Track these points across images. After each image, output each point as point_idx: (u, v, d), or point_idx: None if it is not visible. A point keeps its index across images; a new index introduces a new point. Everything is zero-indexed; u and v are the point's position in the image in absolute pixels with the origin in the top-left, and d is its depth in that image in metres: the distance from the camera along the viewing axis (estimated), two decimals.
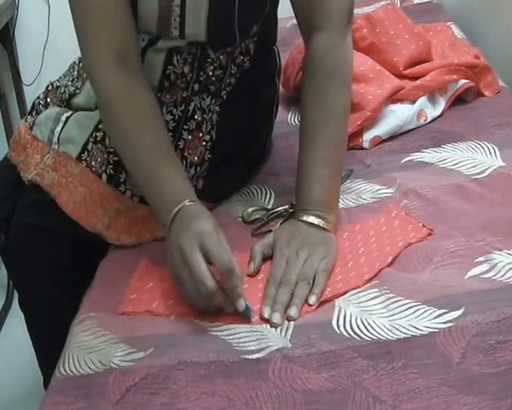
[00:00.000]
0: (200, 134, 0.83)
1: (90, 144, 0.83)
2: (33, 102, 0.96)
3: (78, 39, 0.76)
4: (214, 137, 0.83)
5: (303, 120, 0.79)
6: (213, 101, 0.83)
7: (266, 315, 0.65)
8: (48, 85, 0.95)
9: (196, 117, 0.82)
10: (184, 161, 0.82)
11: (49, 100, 0.94)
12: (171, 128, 0.82)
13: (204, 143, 0.83)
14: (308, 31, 0.80)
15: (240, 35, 0.77)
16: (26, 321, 0.97)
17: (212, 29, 0.76)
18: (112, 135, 0.78)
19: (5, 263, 0.98)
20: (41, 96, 0.95)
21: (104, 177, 0.82)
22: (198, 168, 0.83)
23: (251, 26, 0.79)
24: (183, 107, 0.82)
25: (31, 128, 0.91)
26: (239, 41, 0.78)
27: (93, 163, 0.83)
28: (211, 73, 0.81)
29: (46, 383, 0.94)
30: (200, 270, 0.63)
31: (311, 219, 0.73)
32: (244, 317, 0.65)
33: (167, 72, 0.80)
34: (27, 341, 0.99)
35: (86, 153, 0.84)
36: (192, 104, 0.82)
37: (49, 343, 0.88)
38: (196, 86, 0.82)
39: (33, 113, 0.94)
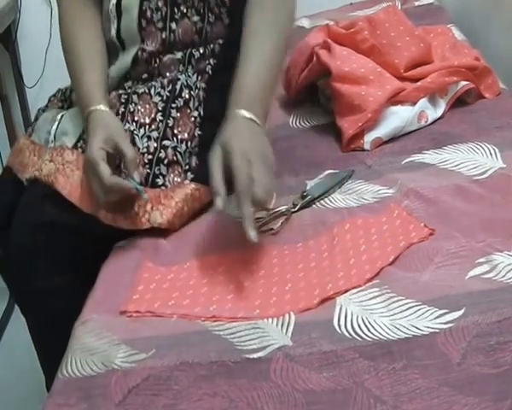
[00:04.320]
0: (189, 111, 0.86)
1: (85, 134, 0.86)
2: (35, 115, 0.99)
3: None
4: (202, 113, 0.87)
5: (246, 28, 0.83)
6: (199, 77, 0.88)
7: (253, 237, 0.69)
8: (50, 97, 0.99)
9: (183, 95, 0.86)
10: (175, 138, 0.85)
11: (48, 106, 0.97)
12: (160, 108, 0.86)
13: (193, 120, 0.87)
14: None
15: None
16: (27, 324, 0.97)
17: None
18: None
19: (3, 276, 0.98)
20: (42, 107, 0.99)
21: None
22: (189, 143, 0.86)
23: None
24: (170, 87, 0.86)
25: (30, 136, 0.95)
26: None
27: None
28: (184, 11, 0.86)
29: (48, 385, 0.94)
30: (101, 172, 0.77)
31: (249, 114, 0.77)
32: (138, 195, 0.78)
33: (143, 8, 0.86)
34: (30, 343, 0.99)
35: (81, 141, 0.87)
36: (179, 83, 0.86)
37: (51, 345, 0.88)
38: (174, 26, 0.86)
39: (32, 123, 0.98)
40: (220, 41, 0.89)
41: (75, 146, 0.87)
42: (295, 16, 0.90)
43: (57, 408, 0.61)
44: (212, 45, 0.88)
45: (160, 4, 0.86)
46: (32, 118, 1.04)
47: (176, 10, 0.86)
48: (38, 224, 0.85)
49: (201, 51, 0.88)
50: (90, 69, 0.86)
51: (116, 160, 0.81)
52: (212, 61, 0.88)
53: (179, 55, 0.88)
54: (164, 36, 0.87)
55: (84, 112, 0.83)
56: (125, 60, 0.89)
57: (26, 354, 1.08)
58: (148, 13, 0.86)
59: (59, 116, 0.91)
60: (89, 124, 0.82)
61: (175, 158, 0.85)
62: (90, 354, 0.66)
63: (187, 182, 0.85)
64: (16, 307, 1.04)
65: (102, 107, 0.83)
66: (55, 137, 0.90)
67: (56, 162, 0.86)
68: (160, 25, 0.86)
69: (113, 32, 0.89)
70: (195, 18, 0.87)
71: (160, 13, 0.86)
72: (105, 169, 0.78)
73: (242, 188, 0.70)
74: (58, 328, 0.80)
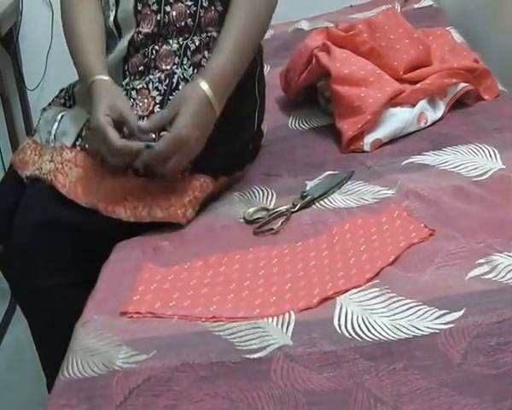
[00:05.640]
0: None
1: (84, 131, 0.88)
2: (39, 115, 1.00)
3: None
4: None
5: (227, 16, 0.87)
6: (195, 71, 0.89)
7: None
8: (54, 98, 1.00)
9: (180, 88, 0.87)
10: None
11: (51, 104, 0.98)
12: (158, 101, 0.87)
13: None
14: None
15: None
16: (29, 325, 0.98)
17: None
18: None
19: (4, 275, 0.98)
20: (46, 106, 1.00)
21: (98, 158, 0.86)
22: None
23: None
24: (167, 81, 0.88)
25: (33, 136, 0.96)
26: None
27: (87, 146, 0.87)
28: None
29: (50, 386, 0.94)
30: (110, 137, 0.79)
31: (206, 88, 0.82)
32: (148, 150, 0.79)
33: None
34: (31, 344, 0.99)
35: (80, 139, 0.89)
36: (176, 76, 0.88)
37: (52, 346, 0.88)
38: (168, 8, 0.88)
39: (36, 124, 0.99)
40: (214, 33, 0.90)
41: (74, 145, 0.89)
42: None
43: (58, 409, 0.61)
44: (205, 36, 0.90)
45: None
46: (34, 120, 1.05)
47: None
48: (39, 222, 0.86)
49: (197, 43, 0.89)
50: (91, 42, 0.88)
51: (121, 127, 0.83)
52: (206, 53, 0.90)
53: (175, 46, 0.89)
54: (158, 17, 0.89)
55: (87, 81, 0.85)
56: (121, 45, 0.91)
57: (28, 356, 1.08)
58: None
59: (59, 116, 0.93)
60: (93, 92, 0.84)
61: None
62: (91, 355, 0.66)
63: (186, 174, 0.86)
64: (18, 308, 1.04)
65: (104, 77, 0.85)
66: (55, 137, 0.91)
67: (56, 162, 0.88)
68: (154, 7, 0.89)
69: (111, 18, 0.91)
70: (189, 2, 0.89)
71: None
72: (113, 133, 0.79)
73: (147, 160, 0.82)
74: (59, 328, 0.80)
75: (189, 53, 0.89)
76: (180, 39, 0.89)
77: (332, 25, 1.25)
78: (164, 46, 0.89)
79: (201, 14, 0.90)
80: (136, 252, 0.82)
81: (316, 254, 0.74)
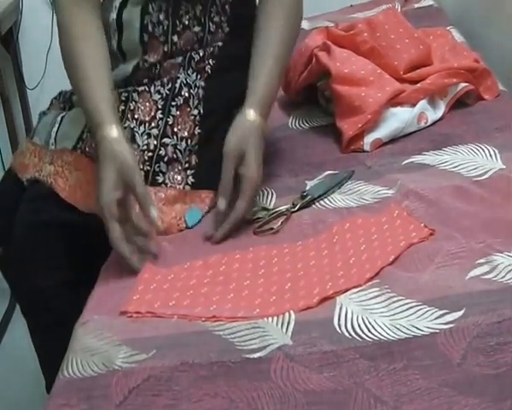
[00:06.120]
0: (188, 109, 0.87)
1: (85, 134, 0.87)
2: (38, 118, 1.00)
3: None
4: (202, 111, 0.87)
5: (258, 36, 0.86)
6: (199, 76, 0.88)
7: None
8: (52, 100, 0.99)
9: (183, 93, 0.86)
10: (175, 136, 0.86)
11: (50, 109, 0.98)
12: (159, 106, 0.86)
13: (192, 118, 0.87)
14: None
15: None
16: (28, 325, 0.98)
17: None
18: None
19: (4, 275, 0.98)
20: (45, 110, 0.99)
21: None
22: (189, 141, 0.86)
23: None
24: (169, 85, 0.86)
25: (32, 138, 0.96)
26: None
27: (87, 149, 0.86)
28: (186, 23, 0.86)
29: (49, 387, 0.94)
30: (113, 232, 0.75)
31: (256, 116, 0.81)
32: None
33: (145, 22, 0.85)
34: (30, 344, 0.99)
35: (81, 142, 0.88)
36: (178, 81, 0.87)
37: (51, 346, 0.88)
38: (176, 38, 0.86)
39: (35, 126, 0.98)
40: (220, 44, 0.89)
41: (75, 147, 0.88)
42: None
43: (58, 409, 0.61)
44: (211, 48, 0.89)
45: (161, 18, 0.86)
46: (34, 119, 1.05)
47: (178, 23, 0.86)
48: (39, 222, 0.86)
49: (201, 54, 0.88)
50: (99, 86, 0.81)
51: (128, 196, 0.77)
52: (211, 61, 0.89)
53: (179, 59, 0.88)
54: (166, 49, 0.87)
55: (95, 134, 0.79)
56: (125, 68, 0.89)
57: (27, 355, 1.08)
58: (150, 27, 0.86)
59: (59, 118, 0.92)
60: (100, 153, 0.78)
61: (175, 156, 0.85)
62: (90, 355, 0.66)
63: (188, 188, 0.85)
64: (17, 308, 1.04)
65: (113, 133, 0.77)
66: (55, 140, 0.90)
67: (56, 165, 0.87)
68: (162, 38, 0.86)
69: (115, 44, 0.89)
70: (197, 28, 0.87)
71: (161, 27, 0.86)
72: (115, 229, 0.75)
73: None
74: (58, 328, 0.80)
75: (193, 63, 0.88)
76: (185, 55, 0.88)
77: (332, 24, 1.25)
78: (169, 60, 0.88)
79: (209, 39, 0.88)
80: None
81: (316, 254, 0.74)
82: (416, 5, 1.41)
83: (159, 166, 0.85)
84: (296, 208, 0.84)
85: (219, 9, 0.88)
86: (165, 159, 0.85)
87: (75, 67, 0.83)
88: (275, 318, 0.66)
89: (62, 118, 0.92)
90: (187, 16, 0.86)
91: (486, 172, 0.84)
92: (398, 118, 0.97)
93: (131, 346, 0.66)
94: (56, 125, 0.91)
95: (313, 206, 0.85)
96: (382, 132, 0.96)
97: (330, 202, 0.85)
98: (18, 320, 1.33)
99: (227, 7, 0.88)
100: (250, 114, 0.82)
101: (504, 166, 0.85)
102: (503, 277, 0.66)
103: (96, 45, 0.83)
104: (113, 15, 0.87)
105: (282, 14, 0.85)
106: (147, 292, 0.73)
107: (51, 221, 0.86)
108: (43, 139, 0.93)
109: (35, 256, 0.88)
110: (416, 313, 0.64)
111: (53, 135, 0.91)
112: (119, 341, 0.67)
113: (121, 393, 0.61)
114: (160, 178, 0.85)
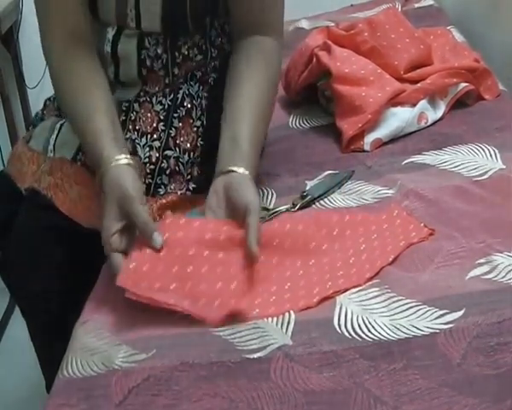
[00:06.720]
0: (191, 120, 0.85)
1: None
2: (32, 119, 0.97)
3: (37, 17, 0.81)
4: (205, 122, 0.85)
5: (234, 89, 0.80)
6: (201, 87, 0.85)
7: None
8: (45, 101, 0.96)
9: (186, 104, 0.84)
10: (177, 148, 0.84)
11: (45, 113, 0.95)
12: (162, 118, 0.84)
13: (195, 129, 0.85)
14: (247, 33, 0.82)
15: (194, 26, 0.80)
16: (28, 327, 0.97)
17: (166, 22, 0.79)
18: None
19: (4, 279, 0.98)
20: (39, 112, 0.96)
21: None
22: (192, 154, 0.85)
23: (203, 17, 0.82)
24: (172, 96, 0.84)
25: (27, 142, 0.92)
26: (192, 30, 0.81)
27: (87, 161, 0.84)
28: (186, 53, 0.83)
29: (49, 387, 0.94)
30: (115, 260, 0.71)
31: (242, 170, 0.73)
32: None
33: (142, 57, 0.82)
34: (30, 344, 0.99)
35: (81, 154, 0.85)
36: (181, 92, 0.84)
37: (51, 348, 0.88)
38: (176, 70, 0.83)
39: (30, 128, 0.95)
40: (220, 59, 0.87)
41: (75, 158, 0.85)
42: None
43: (58, 409, 0.62)
44: (213, 62, 0.87)
45: (159, 51, 0.81)
46: None
47: (177, 54, 0.82)
48: (38, 226, 0.85)
49: (203, 70, 0.86)
50: (99, 117, 0.76)
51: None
52: (214, 74, 0.87)
53: (181, 78, 0.86)
54: (167, 81, 0.84)
55: (98, 170, 0.74)
56: (125, 95, 0.86)
57: (27, 355, 1.08)
58: (148, 62, 0.82)
59: (58, 125, 0.89)
60: (104, 186, 0.73)
61: (177, 168, 0.84)
62: (90, 355, 0.66)
63: (189, 194, 0.84)
64: (17, 307, 1.04)
65: (114, 161, 0.73)
66: (54, 147, 0.87)
67: (55, 176, 0.85)
68: (161, 72, 0.83)
69: (111, 75, 0.85)
70: (198, 57, 0.84)
71: (160, 61, 0.82)
72: (115, 259, 0.71)
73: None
74: (58, 329, 0.80)
75: (195, 79, 0.86)
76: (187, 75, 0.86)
77: (333, 24, 1.25)
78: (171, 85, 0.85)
79: (211, 64, 0.86)
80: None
81: (315, 254, 0.74)
82: (417, 5, 1.41)
83: (160, 179, 0.84)
84: (296, 208, 0.83)
85: (219, 31, 0.85)
86: (168, 171, 0.84)
87: (76, 121, 0.79)
88: (274, 318, 0.66)
89: (61, 126, 0.89)
90: (186, 46, 0.82)
91: (486, 172, 0.84)
92: (399, 118, 0.97)
93: (131, 346, 0.66)
94: (55, 132, 0.88)
95: (313, 206, 0.85)
96: (382, 132, 0.96)
97: (330, 201, 0.85)
98: (18, 319, 1.33)
99: (226, 27, 0.85)
100: (241, 170, 0.74)
101: (504, 166, 0.85)
102: (503, 277, 0.66)
103: (97, 99, 0.78)
104: (108, 49, 0.83)
105: (263, 65, 0.80)
106: (143, 262, 0.68)
107: (50, 227, 0.84)
108: (40, 145, 0.90)
109: (35, 261, 0.87)
110: (415, 313, 0.64)
111: (51, 142, 0.88)
112: (118, 340, 0.67)
113: (121, 393, 0.61)
114: (162, 191, 0.84)
